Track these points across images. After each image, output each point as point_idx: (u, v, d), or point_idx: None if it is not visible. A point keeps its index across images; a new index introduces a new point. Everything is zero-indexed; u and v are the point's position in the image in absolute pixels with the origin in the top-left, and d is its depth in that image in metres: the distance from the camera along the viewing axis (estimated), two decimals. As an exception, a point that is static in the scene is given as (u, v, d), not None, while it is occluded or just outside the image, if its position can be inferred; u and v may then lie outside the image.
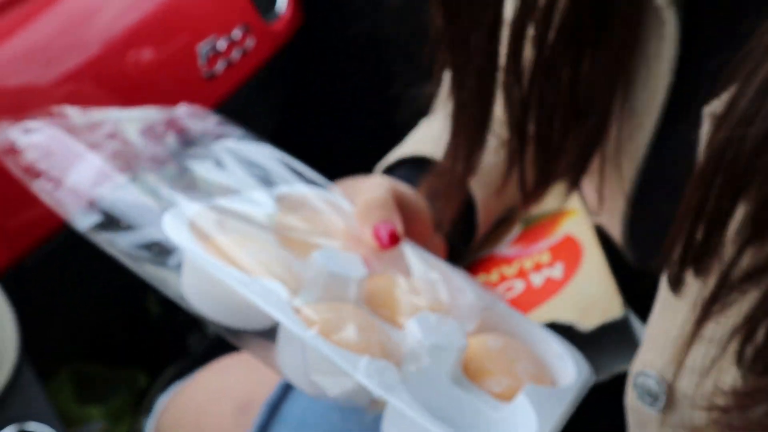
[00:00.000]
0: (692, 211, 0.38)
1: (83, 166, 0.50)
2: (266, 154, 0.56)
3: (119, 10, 0.95)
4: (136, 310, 1.17)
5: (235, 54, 1.07)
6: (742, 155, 0.34)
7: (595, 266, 0.56)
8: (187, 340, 1.20)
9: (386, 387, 0.41)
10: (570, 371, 0.46)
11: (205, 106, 1.08)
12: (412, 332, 0.44)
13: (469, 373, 0.45)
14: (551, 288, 0.57)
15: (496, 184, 0.60)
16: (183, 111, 0.58)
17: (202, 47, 1.02)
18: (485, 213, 0.61)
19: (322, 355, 0.41)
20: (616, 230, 0.54)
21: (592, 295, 0.54)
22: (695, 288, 0.41)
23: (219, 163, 0.54)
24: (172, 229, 0.47)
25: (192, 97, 1.05)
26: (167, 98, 1.01)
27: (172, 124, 0.57)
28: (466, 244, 0.61)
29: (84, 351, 1.13)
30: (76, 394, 1.08)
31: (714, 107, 0.39)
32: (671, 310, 0.44)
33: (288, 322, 0.43)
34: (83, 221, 0.48)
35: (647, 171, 0.50)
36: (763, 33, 0.35)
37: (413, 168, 0.61)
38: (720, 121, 0.36)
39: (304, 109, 1.31)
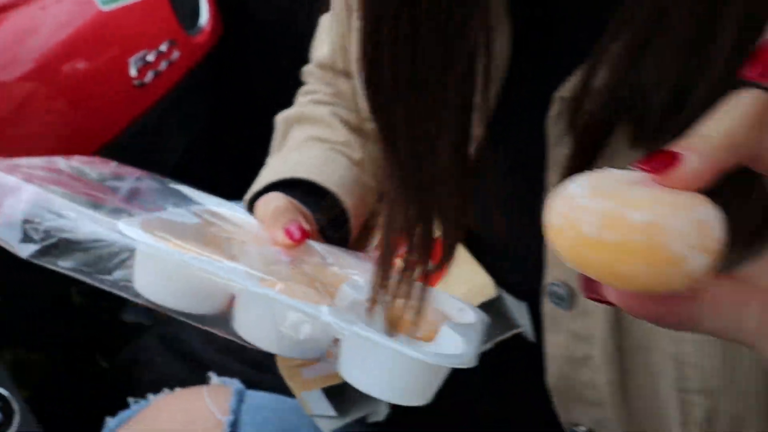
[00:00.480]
0: (582, 145, 0.46)
1: (19, 195, 0.52)
2: (171, 185, 0.61)
3: (55, 29, 1.01)
4: (60, 300, 1.19)
5: (163, 65, 1.14)
6: (616, 103, 0.42)
7: (464, 259, 0.61)
8: (110, 329, 1.21)
9: (348, 322, 0.46)
10: (471, 317, 0.54)
11: (136, 112, 1.17)
12: (346, 293, 0.51)
13: (392, 326, 0.50)
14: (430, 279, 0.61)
15: (358, 193, 0.67)
16: (78, 160, 0.61)
17: (134, 60, 1.09)
18: (355, 217, 0.67)
19: (290, 305, 0.47)
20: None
21: (468, 281, 0.59)
22: None
23: (132, 194, 0.58)
24: (131, 231, 0.51)
25: (124, 104, 1.13)
26: (102, 106, 1.08)
27: (71, 172, 0.59)
28: (344, 245, 0.66)
29: (19, 339, 1.15)
30: (10, 379, 1.12)
31: (563, 91, 0.46)
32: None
33: (256, 287, 0.48)
34: (25, 249, 0.51)
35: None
36: (607, 41, 0.42)
37: (288, 187, 0.65)
38: (578, 94, 0.44)
39: (227, 112, 1.38)
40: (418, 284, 0.52)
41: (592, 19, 0.44)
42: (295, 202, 0.61)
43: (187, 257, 0.49)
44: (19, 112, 0.95)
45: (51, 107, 1.00)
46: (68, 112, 1.02)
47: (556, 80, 0.47)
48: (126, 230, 0.51)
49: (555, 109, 0.47)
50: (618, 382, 0.52)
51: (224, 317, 0.51)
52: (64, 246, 0.52)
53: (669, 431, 0.51)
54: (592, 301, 0.50)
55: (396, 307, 0.52)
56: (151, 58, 1.12)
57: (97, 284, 0.52)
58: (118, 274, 0.52)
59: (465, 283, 0.60)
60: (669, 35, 0.39)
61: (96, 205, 0.55)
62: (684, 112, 0.39)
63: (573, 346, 0.54)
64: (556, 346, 0.55)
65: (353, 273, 0.55)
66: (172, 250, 0.50)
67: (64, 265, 0.52)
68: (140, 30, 1.13)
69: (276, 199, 0.60)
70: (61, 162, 0.60)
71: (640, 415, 0.53)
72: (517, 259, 0.59)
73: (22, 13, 0.97)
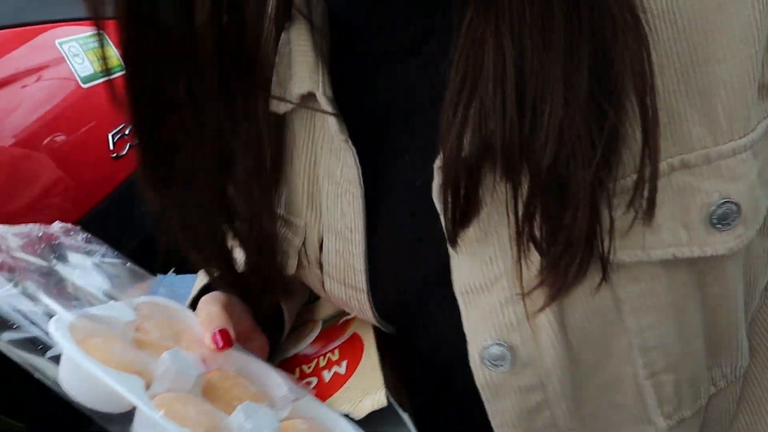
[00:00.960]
0: (454, 197, 0.47)
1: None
2: (125, 268, 0.64)
3: (37, 106, 1.05)
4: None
5: (139, 138, 1.19)
6: (476, 164, 0.45)
7: (370, 363, 0.63)
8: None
9: None
10: None
11: (114, 182, 1.20)
12: (238, 417, 0.54)
13: None
14: (337, 382, 0.63)
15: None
16: (57, 227, 0.63)
17: (112, 134, 1.14)
18: (288, 311, 0.69)
19: (169, 430, 0.50)
20: (367, 309, 0.59)
21: (365, 389, 0.60)
22: (491, 282, 0.49)
23: (87, 274, 0.61)
24: (57, 332, 0.53)
25: (102, 174, 1.17)
26: (82, 175, 1.12)
27: (46, 238, 0.62)
28: (278, 338, 0.69)
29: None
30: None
31: (437, 163, 0.47)
32: (479, 298, 0.51)
33: (144, 406, 0.51)
34: None
35: (371, 252, 0.56)
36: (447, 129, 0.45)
37: None
38: (447, 160, 0.45)
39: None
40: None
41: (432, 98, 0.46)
42: (231, 298, 0.63)
43: (92, 365, 0.52)
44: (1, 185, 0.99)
45: (32, 180, 1.03)
46: (49, 184, 1.05)
47: (419, 166, 0.49)
48: (53, 329, 0.53)
49: (437, 181, 0.48)
50: (575, 407, 0.52)
51: (129, 417, 0.53)
52: (4, 326, 0.54)
53: (649, 422, 0.52)
54: (531, 351, 0.51)
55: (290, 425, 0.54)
56: (127, 131, 1.16)
57: (24, 365, 0.53)
58: (48, 359, 0.54)
59: (361, 389, 0.61)
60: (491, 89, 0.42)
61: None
62: (530, 155, 0.42)
63: (524, 399, 0.52)
64: (504, 412, 0.53)
65: (258, 390, 0.58)
66: (83, 355, 0.52)
67: (5, 341, 0.53)
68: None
69: (211, 303, 0.62)
70: (37, 229, 0.62)
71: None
72: (432, 333, 0.59)
73: (2, 94, 1.01)
